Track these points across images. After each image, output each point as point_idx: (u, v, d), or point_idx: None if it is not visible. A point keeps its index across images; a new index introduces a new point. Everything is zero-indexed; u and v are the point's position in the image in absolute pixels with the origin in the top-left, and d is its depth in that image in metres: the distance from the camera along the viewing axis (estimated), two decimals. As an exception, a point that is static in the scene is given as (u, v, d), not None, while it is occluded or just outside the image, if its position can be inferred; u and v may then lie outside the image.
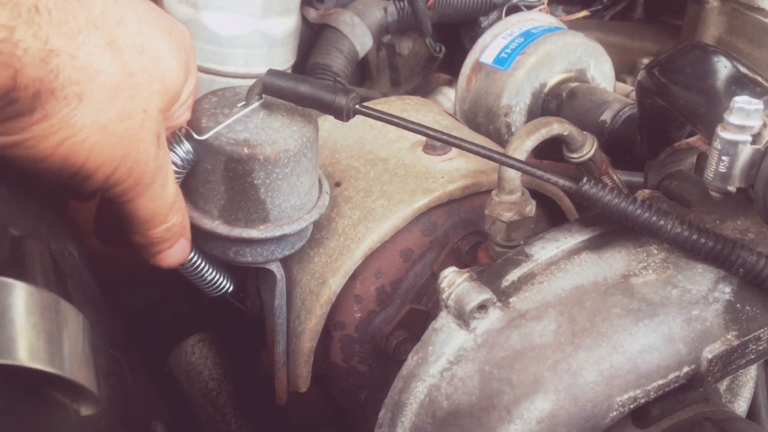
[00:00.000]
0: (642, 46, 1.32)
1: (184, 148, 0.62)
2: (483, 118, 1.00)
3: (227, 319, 1.07)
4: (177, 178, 0.63)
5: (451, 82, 1.32)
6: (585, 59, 1.00)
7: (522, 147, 0.63)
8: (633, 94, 1.04)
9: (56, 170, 0.51)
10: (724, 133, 0.49)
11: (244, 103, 0.65)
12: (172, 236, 0.62)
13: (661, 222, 0.54)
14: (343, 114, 0.62)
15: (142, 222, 0.59)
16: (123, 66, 0.53)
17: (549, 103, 0.98)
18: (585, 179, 0.56)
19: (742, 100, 0.48)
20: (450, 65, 1.36)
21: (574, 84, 0.98)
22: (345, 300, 0.73)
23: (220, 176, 0.63)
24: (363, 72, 1.35)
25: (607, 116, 0.91)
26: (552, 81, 0.99)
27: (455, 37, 1.38)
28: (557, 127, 0.64)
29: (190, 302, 1.08)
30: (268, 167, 0.63)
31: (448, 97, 1.27)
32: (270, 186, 0.64)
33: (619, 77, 1.20)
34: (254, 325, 0.81)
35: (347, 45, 1.21)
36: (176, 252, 0.64)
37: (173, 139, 0.62)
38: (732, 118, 0.49)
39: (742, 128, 0.48)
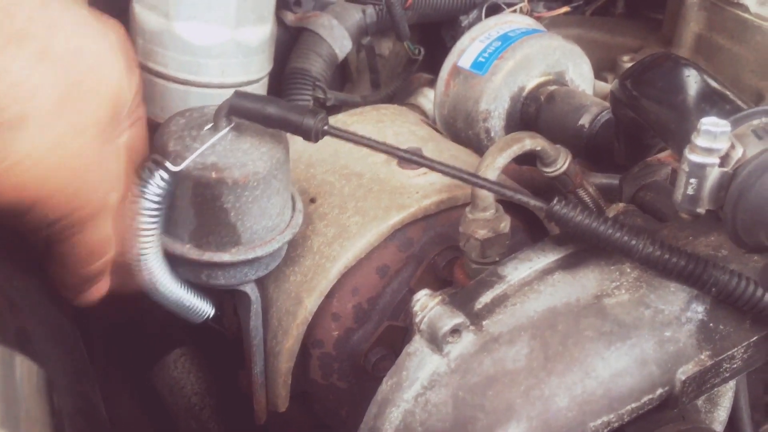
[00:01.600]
0: (623, 42, 1.31)
1: (160, 178, 0.61)
2: (462, 123, 0.99)
3: (209, 334, 1.07)
4: (158, 210, 0.62)
5: (433, 83, 1.30)
6: (563, 62, 1.00)
7: (494, 165, 0.62)
8: (608, 103, 1.03)
9: (6, 203, 0.46)
10: (691, 156, 0.48)
11: (212, 125, 0.64)
12: (105, 269, 0.58)
13: (633, 242, 0.54)
14: (311, 135, 0.61)
15: (83, 258, 0.54)
16: (65, 75, 0.48)
17: (528, 107, 0.97)
18: (555, 200, 0.55)
19: (708, 122, 0.47)
20: (432, 64, 1.34)
21: (553, 87, 0.97)
22: (322, 318, 0.72)
23: (188, 201, 0.62)
24: (343, 75, 1.34)
25: (585, 120, 0.90)
26: (530, 85, 0.98)
27: (436, 36, 1.36)
28: (529, 142, 0.63)
29: (171, 316, 1.07)
30: (238, 191, 0.62)
31: (429, 98, 1.25)
32: (240, 209, 0.63)
33: (600, 75, 1.19)
34: (233, 344, 0.81)
35: (326, 48, 1.20)
36: (99, 288, 0.60)
37: (146, 172, 0.61)
38: (699, 141, 0.48)
39: (709, 151, 0.48)
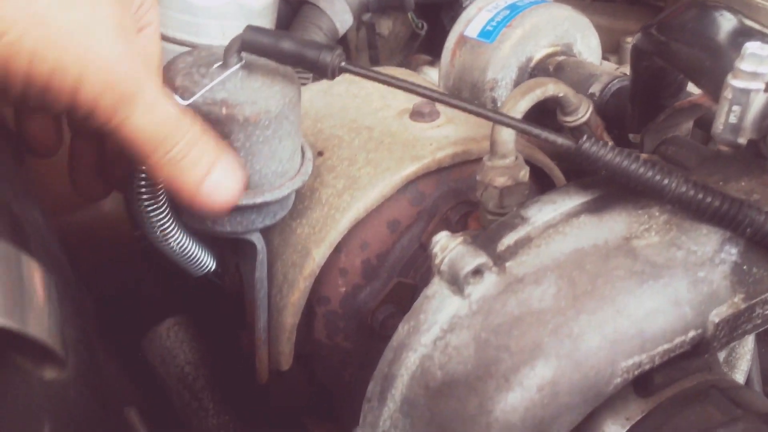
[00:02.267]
0: (625, 26, 1.31)
1: None
2: (468, 93, 0.97)
3: (203, 302, 1.04)
4: None
5: (432, 63, 1.29)
6: (572, 33, 0.98)
7: (516, 108, 0.60)
8: (618, 72, 1.02)
9: (1, 81, 0.44)
10: (735, 82, 0.46)
11: (222, 62, 0.61)
12: (202, 153, 0.53)
13: (665, 181, 0.52)
14: (327, 72, 0.59)
15: (154, 144, 0.51)
16: None
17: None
18: (585, 137, 0.53)
19: (754, 46, 0.46)
20: (430, 47, 1.33)
21: (561, 57, 0.95)
22: (329, 274, 0.70)
23: (196, 139, 0.59)
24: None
25: (595, 89, 0.88)
26: (539, 55, 0.96)
27: (435, 19, 1.35)
28: (552, 87, 0.61)
29: (163, 285, 1.04)
30: (248, 129, 0.59)
31: (429, 77, 1.24)
32: (250, 150, 0.60)
33: (603, 57, 1.18)
34: (233, 303, 0.78)
35: (326, 22, 1.18)
36: (223, 181, 0.54)
37: None
38: (744, 65, 0.46)
39: (754, 75, 0.46)
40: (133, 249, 1.07)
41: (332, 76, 0.59)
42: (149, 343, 0.98)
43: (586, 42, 1.00)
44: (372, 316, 0.70)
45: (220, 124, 0.58)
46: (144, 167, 0.54)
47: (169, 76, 0.60)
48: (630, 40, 1.19)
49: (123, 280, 1.03)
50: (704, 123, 0.71)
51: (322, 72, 0.59)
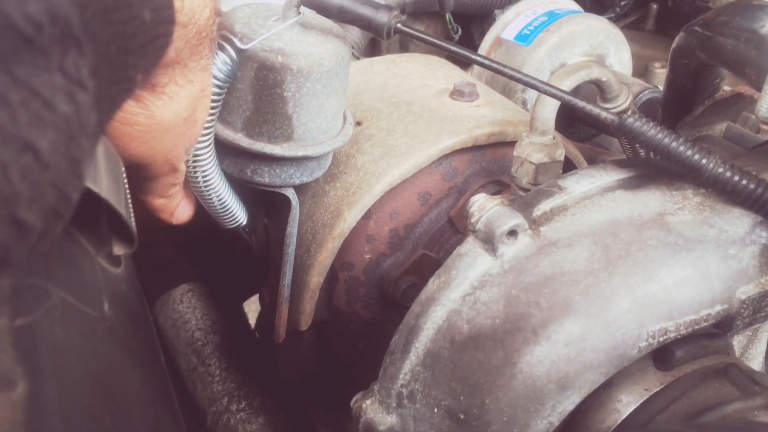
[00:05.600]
0: (653, 54, 1.34)
1: (227, 56, 0.60)
2: (500, 93, 1.00)
3: (217, 270, 1.04)
4: (220, 93, 0.62)
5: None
6: (606, 45, 1.00)
7: (561, 85, 0.62)
8: (649, 85, 1.04)
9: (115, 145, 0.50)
10: (782, 63, 0.48)
11: (279, 17, 0.63)
12: (180, 189, 0.63)
13: (704, 161, 0.53)
14: (383, 31, 0.61)
15: (165, 191, 0.61)
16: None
17: (567, 84, 0.98)
18: (629, 112, 0.55)
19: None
20: (455, 59, 1.35)
21: (594, 67, 0.98)
22: (356, 239, 0.71)
23: (248, 84, 0.61)
24: (373, 52, 1.34)
25: (626, 98, 0.91)
26: (571, 62, 0.99)
27: (465, 32, 1.37)
28: (597, 71, 0.63)
29: (177, 251, 1.05)
30: (300, 80, 0.61)
31: (458, 82, 1.26)
32: (299, 101, 0.62)
33: (631, 79, 1.21)
34: (257, 263, 0.79)
35: (363, 18, 1.20)
36: (184, 209, 0.66)
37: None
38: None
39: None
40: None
41: (387, 37, 0.61)
42: (162, 306, 0.99)
43: (618, 56, 1.02)
44: (394, 285, 0.71)
45: (274, 72, 0.60)
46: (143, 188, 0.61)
47: (228, 22, 0.62)
48: (658, 66, 1.22)
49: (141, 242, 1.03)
50: (732, 135, 0.73)
51: (377, 31, 0.61)
